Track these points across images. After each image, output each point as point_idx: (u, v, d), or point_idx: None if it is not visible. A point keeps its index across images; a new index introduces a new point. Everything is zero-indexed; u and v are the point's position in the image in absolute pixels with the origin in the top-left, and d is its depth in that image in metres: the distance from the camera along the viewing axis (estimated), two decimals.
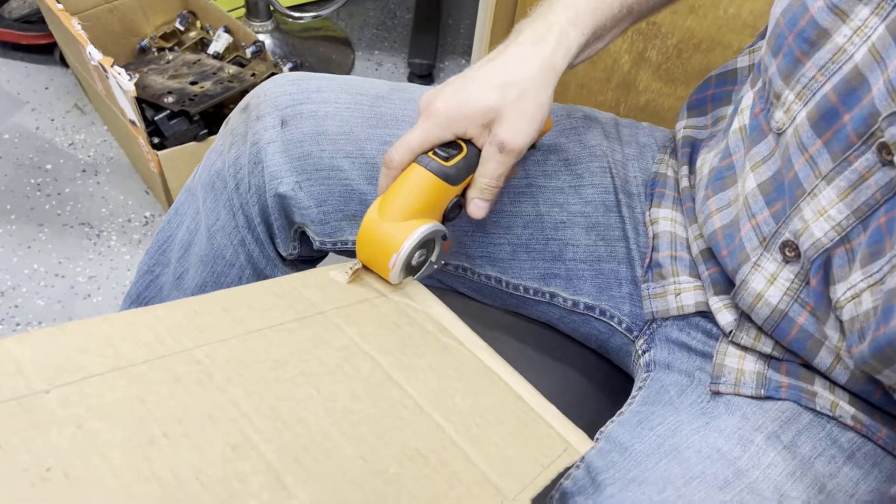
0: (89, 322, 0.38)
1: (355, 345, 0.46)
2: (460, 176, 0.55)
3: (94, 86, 1.33)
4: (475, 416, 0.45)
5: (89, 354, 0.36)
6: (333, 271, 0.54)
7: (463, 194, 0.57)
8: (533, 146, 0.62)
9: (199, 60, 1.34)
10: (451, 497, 0.38)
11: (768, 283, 0.54)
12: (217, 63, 1.32)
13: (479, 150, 0.55)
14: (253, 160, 0.65)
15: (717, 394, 0.56)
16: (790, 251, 0.52)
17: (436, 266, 0.57)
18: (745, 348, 0.57)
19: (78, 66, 1.39)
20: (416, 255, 0.54)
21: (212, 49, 1.38)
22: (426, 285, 0.57)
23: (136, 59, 1.44)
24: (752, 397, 0.55)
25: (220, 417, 0.35)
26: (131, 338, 0.38)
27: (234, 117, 0.68)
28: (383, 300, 0.53)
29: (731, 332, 0.57)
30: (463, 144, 0.55)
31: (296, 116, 0.64)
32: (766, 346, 0.57)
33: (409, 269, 0.55)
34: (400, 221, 0.53)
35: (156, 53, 1.42)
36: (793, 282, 0.53)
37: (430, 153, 0.55)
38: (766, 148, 0.55)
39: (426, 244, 0.54)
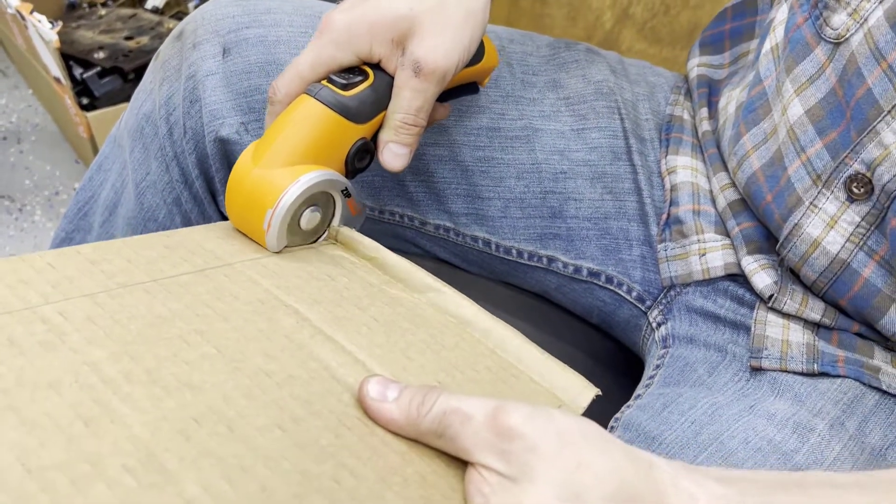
0: None
1: (273, 297, 0.38)
2: (364, 111, 0.44)
3: (14, 41, 1.20)
4: (438, 372, 0.37)
5: None
6: None
7: (375, 138, 0.47)
8: (476, 87, 0.52)
9: (135, 15, 1.23)
10: (406, 473, 0.29)
11: (827, 227, 0.45)
12: (156, 17, 1.22)
13: (392, 79, 0.45)
14: (189, 98, 0.55)
15: (757, 370, 0.47)
16: (859, 187, 0.44)
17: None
18: (787, 316, 0.49)
19: None
20: (306, 213, 0.43)
21: (150, 4, 1.27)
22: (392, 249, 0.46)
23: (65, 15, 1.32)
24: (802, 374, 0.46)
25: (71, 384, 0.28)
26: None
27: (166, 48, 0.58)
28: (311, 251, 0.44)
29: (771, 296, 0.48)
30: (370, 70, 0.45)
31: (240, 42, 0.55)
32: (815, 313, 0.48)
33: (299, 234, 0.44)
34: (280, 168, 0.42)
35: (87, 9, 1.32)
36: (858, 225, 0.45)
37: (325, 80, 0.44)
38: (813, 65, 0.46)
39: (320, 200, 0.44)
